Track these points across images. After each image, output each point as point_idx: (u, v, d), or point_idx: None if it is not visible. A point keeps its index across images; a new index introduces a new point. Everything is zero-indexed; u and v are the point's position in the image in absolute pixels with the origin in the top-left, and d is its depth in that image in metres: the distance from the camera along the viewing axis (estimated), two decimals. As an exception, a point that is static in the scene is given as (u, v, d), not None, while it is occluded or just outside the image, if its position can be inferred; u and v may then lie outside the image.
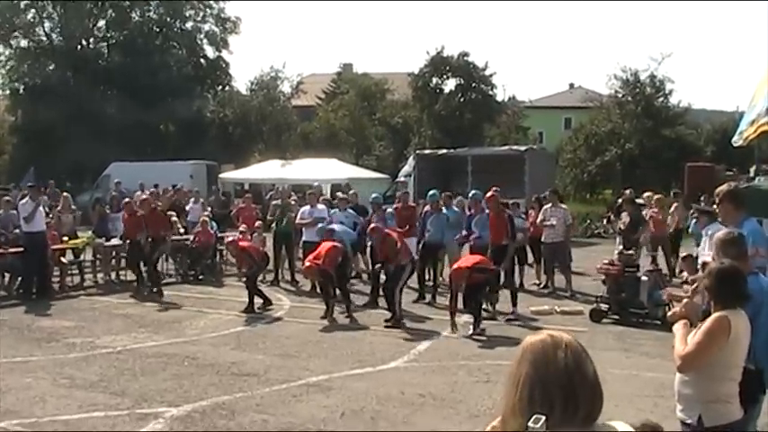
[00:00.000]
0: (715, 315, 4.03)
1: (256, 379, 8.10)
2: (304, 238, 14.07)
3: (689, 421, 4.08)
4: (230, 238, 13.28)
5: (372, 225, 11.93)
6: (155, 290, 13.57)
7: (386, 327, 10.70)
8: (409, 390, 7.66)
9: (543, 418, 1.90)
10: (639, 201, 15.68)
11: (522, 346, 2.11)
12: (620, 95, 34.12)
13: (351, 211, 14.58)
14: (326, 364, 8.73)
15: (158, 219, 14.20)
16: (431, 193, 13.83)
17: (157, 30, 41.16)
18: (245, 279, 12.55)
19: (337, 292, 11.53)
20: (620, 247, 12.21)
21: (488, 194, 12.25)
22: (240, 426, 6.63)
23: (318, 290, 12.35)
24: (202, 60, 41.79)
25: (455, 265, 10.91)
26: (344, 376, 8.23)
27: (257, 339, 10.13)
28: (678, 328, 4.26)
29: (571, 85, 55.42)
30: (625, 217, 13.64)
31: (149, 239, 13.84)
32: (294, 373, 8.29)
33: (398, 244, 11.17)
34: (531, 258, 14.77)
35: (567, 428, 1.96)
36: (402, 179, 25.12)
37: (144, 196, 16.10)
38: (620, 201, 14.82)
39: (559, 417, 1.96)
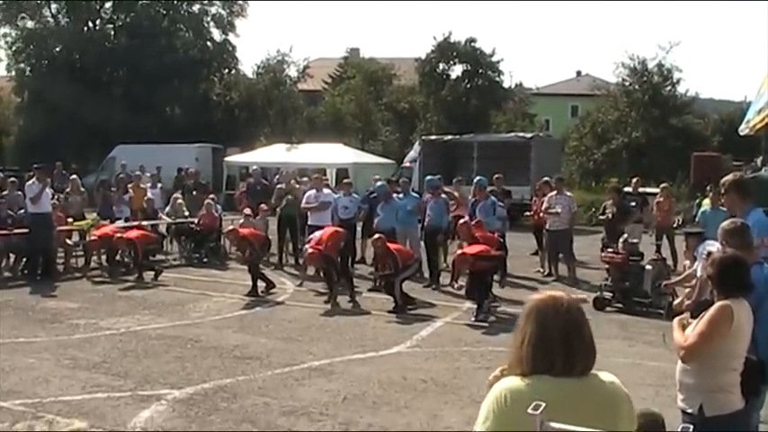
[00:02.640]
0: (718, 304, 4.02)
1: (259, 362, 8.13)
2: (309, 223, 14.06)
3: (690, 410, 4.07)
4: (230, 227, 13.29)
5: (377, 236, 11.72)
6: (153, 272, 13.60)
7: (389, 312, 10.71)
8: (411, 375, 7.68)
9: (543, 405, 2.04)
10: (627, 189, 15.68)
11: (527, 305, 2.35)
12: (627, 84, 33.87)
13: (355, 195, 14.58)
14: (329, 349, 8.76)
15: None
16: (428, 178, 13.93)
17: (164, 12, 40.98)
18: (247, 264, 12.58)
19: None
20: (625, 236, 12.12)
21: (460, 222, 11.96)
22: (242, 408, 6.65)
23: (321, 274, 12.36)
24: (209, 43, 41.58)
25: (459, 251, 10.92)
26: (347, 361, 8.26)
27: (260, 323, 10.17)
28: (678, 319, 4.25)
29: (578, 73, 55.05)
30: (611, 206, 13.51)
31: None
32: (296, 357, 8.32)
33: (399, 263, 11.01)
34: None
35: (566, 380, 2.25)
36: (407, 164, 25.12)
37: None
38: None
39: (560, 371, 2.26)
